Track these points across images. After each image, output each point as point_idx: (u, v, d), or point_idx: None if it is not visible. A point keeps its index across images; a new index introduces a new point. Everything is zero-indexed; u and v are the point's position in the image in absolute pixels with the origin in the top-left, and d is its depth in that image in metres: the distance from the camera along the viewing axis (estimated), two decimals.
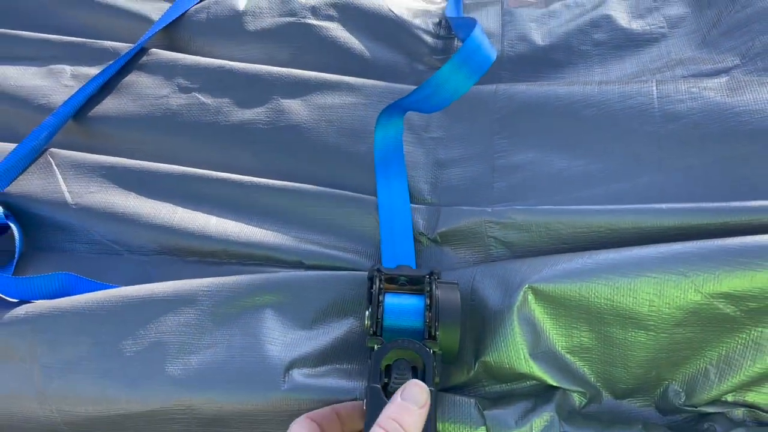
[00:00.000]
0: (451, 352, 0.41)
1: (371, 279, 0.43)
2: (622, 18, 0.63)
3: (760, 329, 0.38)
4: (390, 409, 0.36)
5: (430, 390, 0.37)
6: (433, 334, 0.40)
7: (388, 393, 0.38)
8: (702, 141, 0.46)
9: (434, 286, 0.42)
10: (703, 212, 0.41)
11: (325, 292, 0.47)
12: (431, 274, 0.43)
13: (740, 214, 0.40)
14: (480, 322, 0.44)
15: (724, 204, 0.40)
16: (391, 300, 0.42)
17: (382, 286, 0.43)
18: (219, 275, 0.49)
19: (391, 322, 0.41)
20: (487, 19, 0.66)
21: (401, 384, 0.37)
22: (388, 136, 0.53)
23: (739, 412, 0.40)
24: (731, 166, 0.44)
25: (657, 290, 0.38)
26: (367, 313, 0.42)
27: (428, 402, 0.37)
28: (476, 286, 0.45)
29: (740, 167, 0.44)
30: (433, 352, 0.39)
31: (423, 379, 0.38)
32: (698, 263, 0.38)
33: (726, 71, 0.53)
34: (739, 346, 0.39)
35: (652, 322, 0.39)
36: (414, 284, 0.44)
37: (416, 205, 0.51)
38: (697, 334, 0.39)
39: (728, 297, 0.38)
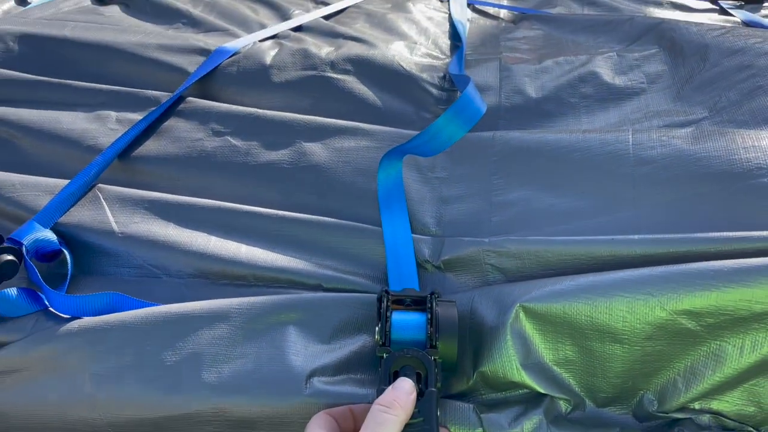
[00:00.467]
0: (450, 361, 0.47)
1: (380, 299, 0.50)
2: (607, 74, 0.71)
3: (718, 342, 0.44)
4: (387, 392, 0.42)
5: (432, 391, 0.43)
6: (434, 344, 0.46)
7: None
8: (670, 182, 0.53)
9: (435, 304, 0.48)
10: (668, 242, 0.47)
11: (342, 311, 0.53)
12: (432, 294, 0.50)
13: (699, 244, 0.46)
14: (478, 338, 0.50)
15: (686, 235, 0.47)
16: (397, 316, 0.49)
17: (389, 304, 0.49)
18: (248, 296, 0.56)
19: (398, 335, 0.48)
20: (487, 74, 0.74)
21: None
22: (389, 176, 0.60)
23: (704, 418, 0.46)
24: (694, 203, 0.51)
25: (629, 308, 0.45)
26: (377, 328, 0.48)
27: (414, 390, 0.43)
28: (475, 306, 0.52)
29: (701, 204, 0.50)
30: (434, 359, 0.45)
31: (426, 383, 0.44)
32: (663, 284, 0.44)
33: (696, 122, 0.61)
34: (701, 358, 0.45)
35: (626, 336, 0.45)
36: (418, 305, 0.50)
37: (422, 236, 0.58)
38: (666, 347, 0.45)
39: (689, 313, 0.44)
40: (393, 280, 0.55)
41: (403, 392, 0.42)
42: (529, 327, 0.48)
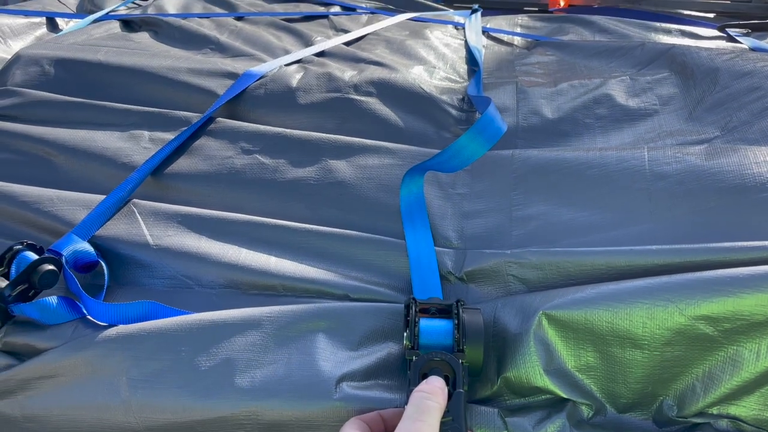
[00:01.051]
0: (476, 365, 0.49)
1: (407, 306, 0.52)
2: (621, 96, 0.74)
3: (735, 347, 0.46)
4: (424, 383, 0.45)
5: (460, 392, 0.45)
6: (461, 348, 0.48)
7: None
8: (685, 196, 0.55)
9: (461, 311, 0.50)
10: (684, 252, 0.49)
11: (368, 320, 0.55)
12: (458, 301, 0.52)
13: (714, 254, 0.48)
14: (501, 345, 0.52)
15: (702, 245, 0.49)
16: (425, 323, 0.51)
17: (417, 310, 0.51)
18: (277, 304, 0.58)
19: (426, 340, 0.50)
20: (504, 96, 0.77)
21: None
22: (411, 192, 0.63)
23: (723, 423, 0.47)
24: (707, 215, 0.53)
25: (649, 314, 0.47)
26: (405, 333, 0.50)
27: (445, 387, 0.45)
28: (498, 315, 0.54)
29: (714, 216, 0.53)
30: (461, 362, 0.47)
31: (454, 384, 0.46)
32: (681, 291, 0.46)
33: (708, 141, 0.63)
34: (719, 363, 0.47)
35: (646, 342, 0.47)
36: (443, 313, 0.52)
37: (445, 249, 0.60)
38: (684, 353, 0.47)
39: (707, 319, 0.46)
40: (417, 290, 0.57)
41: (439, 383, 0.44)
42: (551, 333, 0.49)
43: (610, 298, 0.48)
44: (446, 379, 0.47)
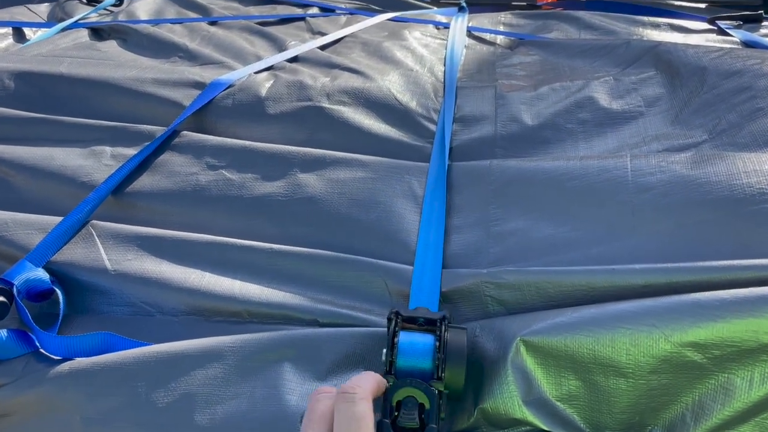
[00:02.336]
0: (457, 390, 0.46)
1: (390, 319, 0.48)
2: (603, 99, 0.70)
3: (726, 375, 0.43)
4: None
5: (432, 427, 0.42)
6: (440, 375, 0.45)
7: (397, 427, 0.42)
8: (670, 209, 0.51)
9: (444, 330, 0.47)
10: (670, 271, 0.46)
11: (338, 346, 0.52)
12: (444, 318, 0.48)
13: (701, 273, 0.45)
14: (479, 373, 0.48)
15: (688, 264, 0.46)
16: (405, 338, 0.47)
17: (398, 328, 0.48)
18: (241, 333, 0.54)
19: (404, 361, 0.46)
20: (482, 103, 0.73)
21: (409, 418, 0.42)
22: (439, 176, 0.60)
23: None
24: (695, 230, 0.50)
25: (632, 341, 0.43)
26: (384, 350, 0.47)
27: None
28: (476, 340, 0.50)
29: (702, 232, 0.49)
30: (439, 391, 0.44)
31: (429, 416, 0.43)
32: (667, 315, 0.43)
33: (695, 145, 0.60)
34: (709, 392, 0.43)
35: (631, 370, 0.44)
36: (430, 325, 0.48)
37: None
38: (672, 381, 0.44)
39: (695, 345, 0.42)
40: (414, 296, 0.54)
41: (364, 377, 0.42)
42: (530, 361, 0.46)
43: (591, 324, 0.45)
44: (421, 407, 0.44)
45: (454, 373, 0.45)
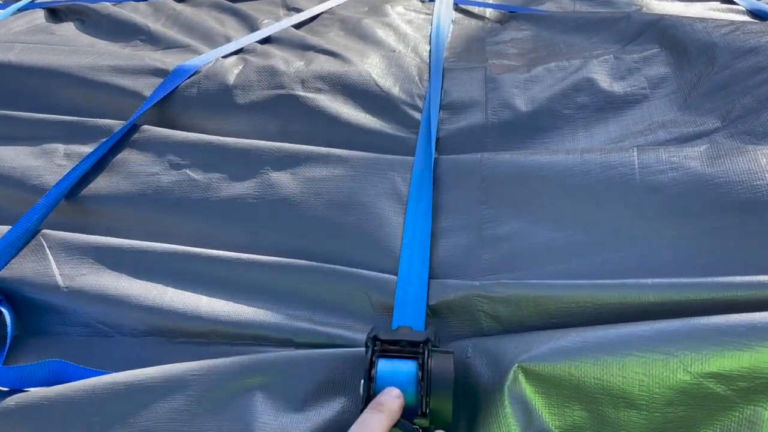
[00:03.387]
0: (444, 421, 0.40)
1: (366, 346, 0.43)
2: (604, 80, 0.64)
3: (752, 407, 0.38)
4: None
5: None
6: (423, 410, 0.40)
7: None
8: (684, 213, 0.46)
9: (427, 356, 0.42)
10: (685, 288, 0.41)
11: (316, 371, 0.47)
12: (426, 341, 0.43)
13: (722, 290, 0.40)
14: (473, 401, 0.43)
15: (706, 280, 0.40)
16: (384, 368, 0.42)
17: (375, 357, 0.42)
18: (208, 356, 0.49)
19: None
20: (471, 87, 0.67)
21: None
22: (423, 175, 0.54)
23: None
24: (713, 239, 0.44)
25: (645, 370, 0.38)
26: (362, 382, 0.41)
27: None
28: (469, 363, 0.45)
29: (723, 240, 0.44)
30: (423, 428, 0.39)
31: None
32: (684, 342, 0.37)
33: (707, 134, 0.54)
34: (733, 425, 0.38)
35: (644, 402, 0.39)
36: (414, 347, 0.43)
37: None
38: (690, 413, 0.39)
39: (717, 377, 0.37)
40: (398, 309, 0.49)
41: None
42: (530, 390, 0.41)
43: (598, 349, 0.39)
44: None
45: (440, 405, 0.40)
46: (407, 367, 0.42)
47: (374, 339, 0.43)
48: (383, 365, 0.42)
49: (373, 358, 0.42)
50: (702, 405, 0.38)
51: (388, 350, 0.43)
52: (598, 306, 0.43)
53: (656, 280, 0.41)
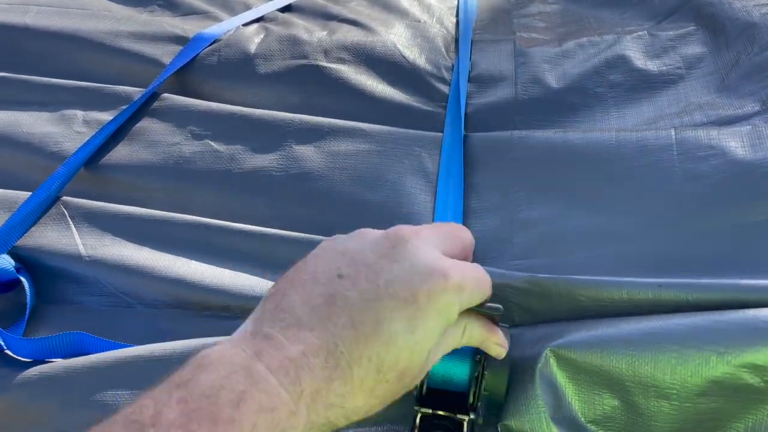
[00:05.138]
0: (499, 393, 0.40)
1: None
2: (638, 58, 0.62)
3: None
4: None
5: None
6: (480, 381, 0.40)
7: None
8: (724, 203, 0.45)
9: None
10: (730, 290, 0.40)
11: None
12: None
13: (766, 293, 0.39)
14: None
15: (751, 283, 0.39)
16: None
17: None
18: (233, 331, 0.48)
19: (436, 369, 0.40)
20: (500, 60, 0.65)
21: None
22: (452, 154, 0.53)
23: None
24: (755, 232, 0.43)
25: (680, 359, 0.38)
26: None
27: None
28: None
29: (765, 234, 0.42)
30: (469, 419, 0.39)
31: None
32: (720, 333, 0.37)
33: (746, 118, 0.52)
34: (765, 418, 0.38)
35: (675, 392, 0.38)
36: None
37: None
38: (722, 405, 0.38)
39: (753, 368, 0.37)
40: None
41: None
42: (561, 376, 0.41)
43: (633, 339, 0.39)
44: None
45: (497, 376, 0.40)
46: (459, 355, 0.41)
47: None
48: None
49: None
50: (735, 397, 0.38)
51: None
52: (635, 306, 0.42)
53: (697, 281, 0.40)
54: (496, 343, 0.37)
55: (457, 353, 0.40)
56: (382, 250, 0.33)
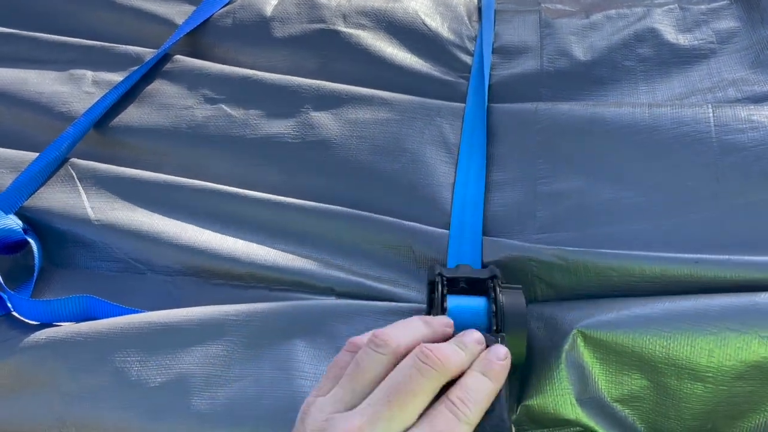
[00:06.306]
0: (518, 360, 0.39)
1: (432, 283, 0.41)
2: (668, 31, 0.60)
3: None
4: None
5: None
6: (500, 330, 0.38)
7: None
8: (765, 176, 0.43)
9: (498, 291, 0.39)
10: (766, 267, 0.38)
11: (358, 322, 0.45)
12: (493, 277, 0.41)
13: None
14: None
15: None
16: (455, 302, 0.40)
17: (445, 291, 0.40)
18: (245, 299, 0.47)
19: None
20: (524, 31, 0.63)
21: None
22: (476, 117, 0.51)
23: None
24: None
25: (718, 342, 0.36)
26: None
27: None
28: None
29: None
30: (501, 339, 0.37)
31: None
32: (764, 317, 0.35)
33: None
34: None
35: (711, 375, 0.37)
36: (473, 286, 0.41)
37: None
38: (759, 389, 0.37)
39: None
40: (453, 252, 0.46)
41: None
42: (588, 356, 0.39)
43: (667, 320, 0.37)
44: None
45: (515, 339, 0.38)
46: (477, 303, 0.40)
47: (441, 276, 0.41)
48: (452, 301, 0.40)
49: (444, 292, 0.40)
50: None
51: (452, 289, 0.41)
52: (668, 282, 0.40)
53: (736, 257, 0.39)
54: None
55: (469, 319, 0.39)
56: None
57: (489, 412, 0.33)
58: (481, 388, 0.33)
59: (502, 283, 0.41)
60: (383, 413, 0.30)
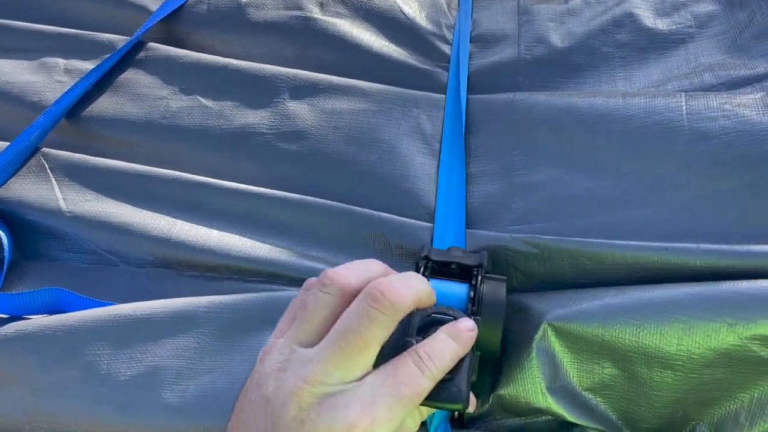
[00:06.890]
0: (492, 351, 0.39)
1: (417, 265, 0.41)
2: (647, 16, 0.59)
3: None
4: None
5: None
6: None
7: None
8: (735, 164, 0.43)
9: (480, 279, 0.39)
10: (739, 256, 0.38)
11: None
12: (480, 266, 0.41)
13: None
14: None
15: (764, 248, 0.38)
16: (434, 287, 0.40)
17: (427, 274, 0.41)
18: (219, 291, 0.47)
19: None
20: (502, 18, 0.62)
21: None
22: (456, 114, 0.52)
23: None
24: (765, 192, 0.41)
25: (686, 330, 0.36)
26: None
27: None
28: None
29: None
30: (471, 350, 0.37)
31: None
32: (730, 303, 0.35)
33: (759, 80, 0.50)
34: None
35: (680, 362, 0.37)
36: (464, 272, 0.41)
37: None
38: (728, 376, 0.37)
39: (764, 339, 0.35)
40: (438, 235, 0.46)
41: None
42: (558, 346, 0.39)
43: (637, 309, 0.37)
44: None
45: (490, 329, 0.38)
46: (458, 290, 0.40)
47: (426, 258, 0.41)
48: (433, 285, 0.40)
49: (426, 275, 0.40)
50: (741, 368, 0.37)
51: (438, 272, 0.41)
52: (639, 268, 0.40)
53: (705, 246, 0.38)
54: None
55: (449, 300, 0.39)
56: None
57: (448, 381, 0.33)
58: (447, 348, 0.33)
59: (487, 272, 0.41)
60: (337, 361, 0.30)
